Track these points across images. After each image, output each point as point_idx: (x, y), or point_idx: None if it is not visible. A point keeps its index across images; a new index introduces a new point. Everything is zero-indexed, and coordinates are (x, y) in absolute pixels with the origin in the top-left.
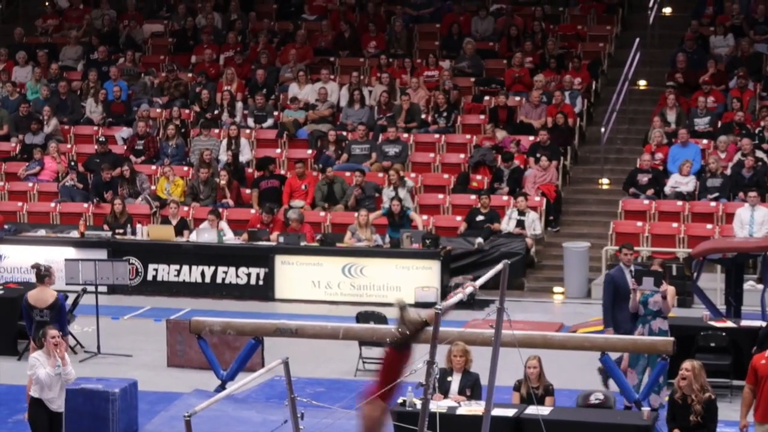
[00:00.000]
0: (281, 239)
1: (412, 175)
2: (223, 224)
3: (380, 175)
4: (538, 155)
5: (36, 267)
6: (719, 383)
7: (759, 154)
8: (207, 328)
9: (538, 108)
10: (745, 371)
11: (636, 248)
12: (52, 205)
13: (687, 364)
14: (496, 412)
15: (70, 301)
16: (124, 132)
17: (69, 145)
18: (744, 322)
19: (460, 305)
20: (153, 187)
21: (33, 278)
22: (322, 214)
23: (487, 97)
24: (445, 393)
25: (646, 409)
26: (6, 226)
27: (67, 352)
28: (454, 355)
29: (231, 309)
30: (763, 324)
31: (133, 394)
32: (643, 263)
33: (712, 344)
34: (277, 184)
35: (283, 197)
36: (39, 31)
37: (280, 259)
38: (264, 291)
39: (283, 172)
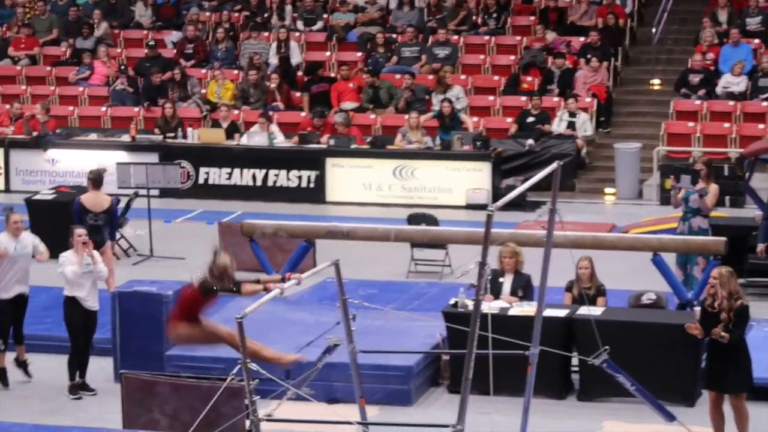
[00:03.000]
0: (332, 142)
1: (462, 77)
2: (274, 127)
3: (430, 77)
4: (588, 56)
5: (94, 172)
6: None
7: None
8: (259, 230)
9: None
10: None
11: (687, 149)
12: (103, 109)
13: (715, 272)
14: (548, 312)
15: (122, 205)
16: (173, 36)
17: (119, 50)
18: None
19: (512, 206)
20: (203, 91)
21: (85, 182)
22: (373, 116)
23: None
24: (496, 294)
25: (698, 309)
26: (58, 131)
27: (115, 256)
28: (504, 257)
29: (282, 212)
30: None
31: None
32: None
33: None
34: (327, 88)
35: (332, 101)
36: None
37: (331, 162)
38: (315, 194)
39: (333, 74)
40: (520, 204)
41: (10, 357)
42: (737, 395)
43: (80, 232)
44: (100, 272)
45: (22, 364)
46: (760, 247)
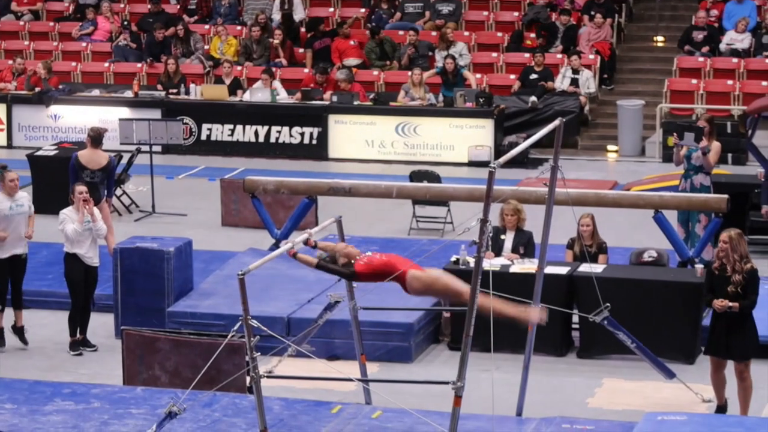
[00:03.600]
0: (334, 98)
1: (466, 33)
2: (277, 84)
3: (433, 33)
4: (592, 12)
5: (95, 130)
6: None
7: None
8: (261, 187)
9: None
10: None
11: (690, 106)
12: (106, 65)
13: (724, 235)
14: (549, 269)
15: (125, 161)
16: None
17: (122, 5)
18: None
19: (514, 163)
20: (206, 47)
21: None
22: (375, 73)
23: None
24: (498, 251)
25: (699, 266)
26: (60, 86)
27: (111, 213)
28: (506, 214)
29: (284, 168)
30: None
31: (187, 252)
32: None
33: None
34: (330, 43)
35: (333, 59)
36: None
37: (333, 119)
38: (317, 150)
39: (336, 28)
40: (522, 161)
41: (7, 319)
42: (742, 362)
43: (81, 189)
44: (99, 230)
45: (18, 331)
46: (765, 208)
